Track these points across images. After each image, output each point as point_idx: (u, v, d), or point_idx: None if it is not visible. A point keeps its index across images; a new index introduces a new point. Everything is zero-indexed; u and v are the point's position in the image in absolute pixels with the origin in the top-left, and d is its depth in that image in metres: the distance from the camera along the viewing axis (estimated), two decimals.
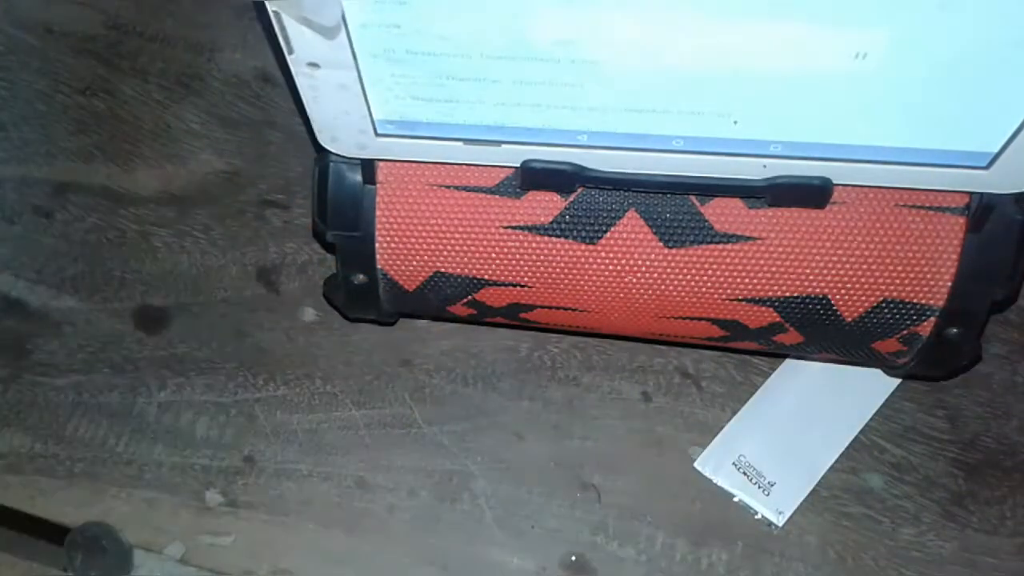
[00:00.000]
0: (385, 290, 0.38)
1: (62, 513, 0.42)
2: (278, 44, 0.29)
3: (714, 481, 0.42)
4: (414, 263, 0.37)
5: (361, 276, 0.38)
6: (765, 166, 0.33)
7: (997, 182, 0.32)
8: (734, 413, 0.44)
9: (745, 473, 0.42)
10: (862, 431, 0.43)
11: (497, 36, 0.28)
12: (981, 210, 0.34)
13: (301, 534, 0.42)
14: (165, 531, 0.42)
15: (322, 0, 0.26)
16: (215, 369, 0.44)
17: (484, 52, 0.29)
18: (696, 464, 0.43)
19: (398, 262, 0.37)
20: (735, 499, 0.42)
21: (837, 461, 0.42)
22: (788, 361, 0.44)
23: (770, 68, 0.28)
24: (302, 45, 0.29)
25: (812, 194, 0.33)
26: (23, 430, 0.43)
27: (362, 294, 0.38)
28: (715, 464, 0.43)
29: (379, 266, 0.37)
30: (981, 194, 0.34)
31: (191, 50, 0.50)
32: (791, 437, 0.43)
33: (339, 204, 0.36)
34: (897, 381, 0.43)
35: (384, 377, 0.44)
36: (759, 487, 0.42)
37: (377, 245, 0.36)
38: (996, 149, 0.31)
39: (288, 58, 0.30)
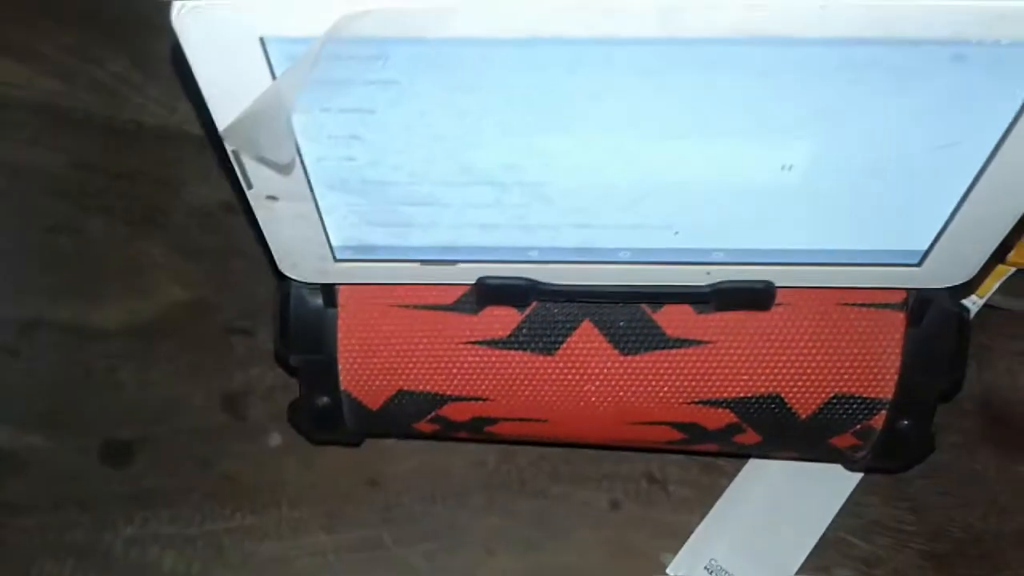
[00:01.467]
0: (350, 411, 0.39)
1: None
2: (237, 179, 0.30)
3: None
4: (377, 382, 0.38)
5: (325, 398, 0.38)
6: (709, 273, 0.34)
7: (930, 278, 0.34)
8: (703, 516, 0.44)
9: None
10: (829, 527, 0.43)
11: (446, 163, 0.30)
12: (918, 305, 0.35)
13: None
14: None
15: (277, 140, 0.27)
16: (181, 501, 0.44)
17: (435, 179, 0.31)
18: (668, 571, 0.43)
19: (361, 382, 0.38)
20: None
21: (807, 559, 0.43)
22: (752, 461, 0.45)
23: (704, 182, 0.30)
24: (260, 180, 0.30)
25: (756, 297, 0.35)
26: None
27: (327, 416, 0.39)
28: (687, 570, 0.43)
29: (343, 387, 0.38)
30: (917, 290, 0.35)
31: (156, 185, 0.51)
32: (760, 538, 0.43)
33: (301, 328, 0.37)
34: (859, 476, 0.44)
35: (352, 499, 0.44)
36: None
37: (340, 366, 0.37)
38: (925, 246, 0.33)
39: (247, 192, 0.31)
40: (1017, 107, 0.27)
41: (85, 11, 0.55)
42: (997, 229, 0.31)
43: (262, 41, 0.25)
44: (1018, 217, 0.31)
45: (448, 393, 0.38)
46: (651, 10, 0.23)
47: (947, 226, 0.32)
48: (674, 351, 0.36)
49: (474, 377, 0.37)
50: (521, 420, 0.39)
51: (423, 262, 0.35)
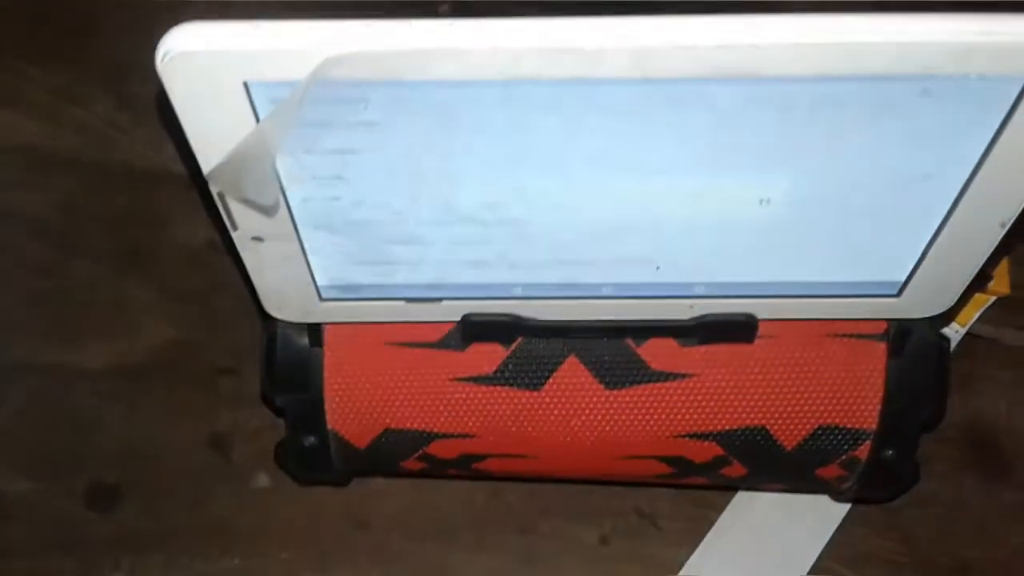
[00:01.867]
0: (336, 450, 0.39)
1: None
2: (222, 220, 0.31)
3: None
4: (364, 421, 0.38)
5: (312, 438, 0.38)
6: (692, 306, 0.34)
7: (909, 308, 0.34)
8: (693, 550, 0.44)
9: None
10: (819, 558, 0.43)
11: (430, 202, 0.30)
12: (898, 335, 0.36)
13: None
14: None
15: (261, 182, 0.28)
16: (169, 544, 0.44)
17: (419, 218, 0.31)
18: None
19: (348, 421, 0.38)
20: None
21: None
22: (740, 494, 0.45)
23: (683, 217, 0.30)
24: (245, 221, 0.31)
25: (739, 330, 0.35)
26: None
27: (314, 456, 0.39)
28: None
29: (329, 426, 0.38)
30: (897, 320, 0.36)
31: (142, 226, 0.51)
32: (751, 570, 0.43)
33: (287, 368, 0.37)
34: (847, 506, 0.44)
35: (341, 540, 0.44)
36: None
37: (326, 406, 0.37)
38: (903, 277, 0.33)
39: (232, 234, 0.31)
40: (988, 139, 0.27)
41: (70, 55, 0.55)
42: (973, 260, 0.32)
43: (246, 86, 0.26)
44: (993, 247, 0.31)
45: (435, 430, 0.38)
46: (624, 52, 0.24)
47: (924, 257, 0.32)
48: (659, 384, 0.37)
49: (461, 414, 0.37)
50: (509, 456, 0.39)
51: (408, 300, 0.35)
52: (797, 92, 0.25)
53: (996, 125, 0.27)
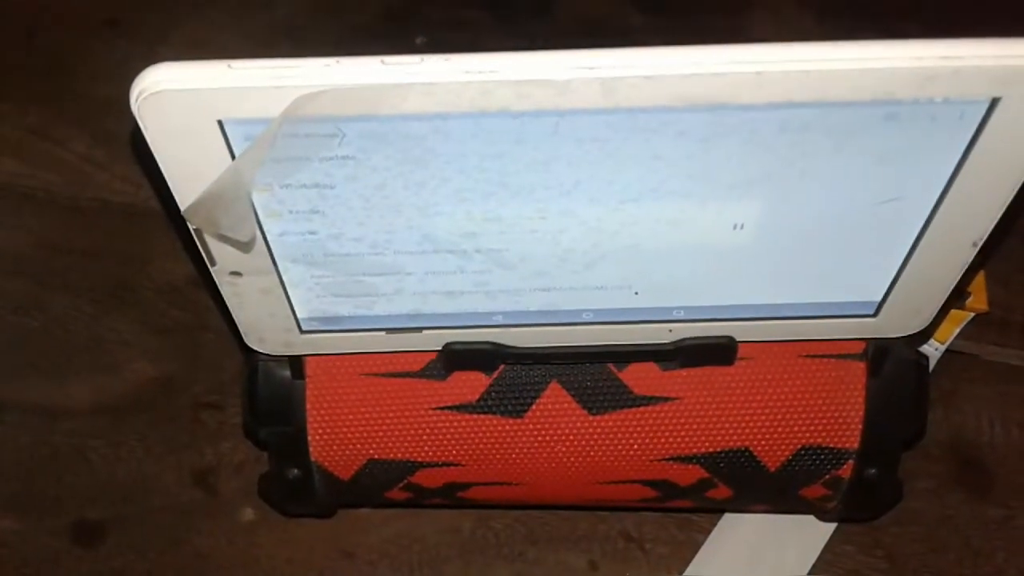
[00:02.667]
0: (320, 482, 0.39)
1: None
2: (201, 256, 0.31)
3: None
4: (347, 452, 0.38)
5: (295, 470, 0.38)
6: (671, 330, 0.35)
7: (886, 327, 0.35)
8: (680, 573, 0.44)
9: None
10: None
11: (407, 233, 0.31)
12: (877, 355, 0.36)
13: None
14: None
15: (238, 218, 0.28)
16: None
17: (396, 248, 0.31)
18: None
19: (331, 452, 0.38)
20: None
21: None
22: (727, 516, 0.45)
23: (658, 243, 0.31)
24: (223, 256, 0.31)
25: (719, 353, 0.35)
26: None
27: (298, 488, 0.39)
28: None
29: (313, 458, 0.38)
30: (875, 340, 0.36)
31: (122, 262, 0.51)
32: None
33: (269, 401, 0.37)
34: (833, 526, 0.44)
35: (327, 572, 0.44)
36: None
37: (309, 438, 0.37)
38: (879, 297, 0.34)
39: (211, 269, 0.31)
40: (956, 161, 0.28)
41: (44, 93, 0.56)
42: (947, 279, 0.32)
43: (220, 124, 0.26)
44: (966, 266, 0.32)
45: (419, 460, 0.38)
46: (593, 83, 0.24)
47: (899, 277, 0.33)
48: (641, 409, 0.37)
49: (445, 443, 0.37)
50: (494, 484, 0.39)
51: (389, 330, 0.35)
52: (763, 119, 0.26)
53: (963, 147, 0.27)
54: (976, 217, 0.30)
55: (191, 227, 0.29)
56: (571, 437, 0.37)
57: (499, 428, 0.37)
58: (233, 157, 0.27)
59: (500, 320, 0.34)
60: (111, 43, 0.58)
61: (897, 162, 0.28)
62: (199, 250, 0.31)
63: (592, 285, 0.33)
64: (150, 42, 0.57)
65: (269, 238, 0.30)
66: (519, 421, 0.37)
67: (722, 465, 0.38)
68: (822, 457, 0.37)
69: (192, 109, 0.25)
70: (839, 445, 0.37)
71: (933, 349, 0.46)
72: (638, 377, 0.37)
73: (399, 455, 0.38)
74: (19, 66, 0.57)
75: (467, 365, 0.36)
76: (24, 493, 0.46)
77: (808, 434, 0.37)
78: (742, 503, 0.40)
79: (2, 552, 0.44)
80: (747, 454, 0.37)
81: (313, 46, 0.57)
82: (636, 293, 0.33)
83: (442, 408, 0.37)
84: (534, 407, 0.37)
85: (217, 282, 0.32)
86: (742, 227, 0.30)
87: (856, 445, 0.37)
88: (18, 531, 0.45)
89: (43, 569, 0.44)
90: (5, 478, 0.46)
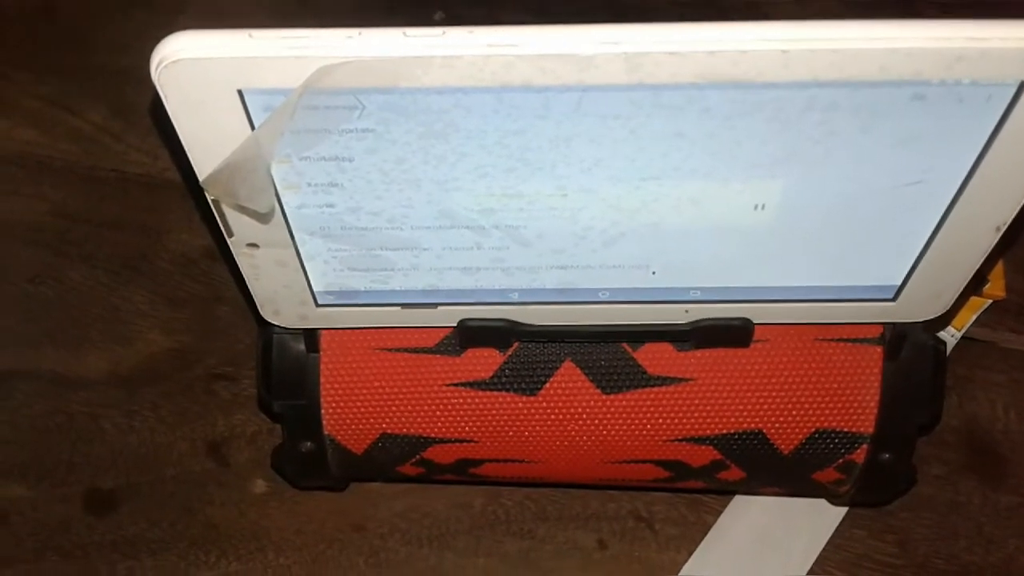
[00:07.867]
0: (333, 455, 0.39)
1: None
2: (218, 227, 0.31)
3: None
4: (360, 426, 0.38)
5: (308, 443, 0.38)
6: (687, 311, 0.34)
7: (905, 312, 0.34)
8: (690, 554, 0.44)
9: None
10: (816, 562, 0.43)
11: (425, 208, 0.30)
12: (894, 339, 0.36)
13: None
14: None
15: (256, 189, 0.28)
16: (166, 549, 0.44)
17: (414, 223, 0.31)
18: None
19: (344, 426, 0.38)
20: None
21: None
22: (738, 498, 0.45)
23: (678, 222, 0.30)
24: (241, 228, 0.31)
25: (735, 335, 0.35)
26: None
27: (311, 461, 0.39)
28: None
29: (326, 432, 0.38)
30: (893, 324, 0.36)
31: (138, 233, 0.51)
32: (748, 574, 0.43)
33: (283, 374, 0.37)
34: (844, 510, 0.44)
35: (337, 545, 0.44)
36: None
37: (323, 411, 0.37)
38: (899, 281, 0.33)
39: (228, 240, 0.31)
40: (983, 143, 0.27)
41: (62, 63, 0.56)
42: (969, 264, 0.32)
43: (240, 93, 0.26)
44: (989, 251, 0.31)
45: (432, 436, 0.38)
46: (617, 59, 0.24)
47: (920, 261, 0.32)
48: (656, 389, 0.37)
49: (457, 419, 0.37)
50: (505, 461, 0.39)
51: (404, 306, 0.35)
52: (788, 98, 0.26)
53: (990, 130, 0.27)
54: (1000, 201, 0.29)
55: (209, 198, 0.29)
56: (584, 416, 0.37)
57: (512, 405, 0.37)
58: (253, 128, 0.27)
59: (516, 298, 0.34)
60: (129, 14, 0.58)
61: (922, 144, 0.27)
62: (216, 221, 0.30)
63: (610, 264, 0.33)
64: (168, 12, 0.57)
65: (287, 210, 0.30)
66: (532, 399, 0.37)
67: (735, 447, 0.37)
68: (836, 441, 0.37)
69: (212, 78, 0.25)
70: (854, 429, 0.37)
71: (950, 336, 0.46)
72: (653, 357, 0.36)
73: (412, 430, 0.38)
74: (37, 36, 0.57)
75: (481, 342, 0.36)
76: (38, 461, 0.46)
77: (823, 418, 0.37)
78: (754, 485, 0.40)
79: (15, 519, 0.45)
80: (760, 436, 0.37)
81: (334, 16, 0.57)
82: (654, 273, 0.33)
83: (456, 384, 0.37)
84: (548, 385, 0.37)
85: (234, 254, 0.32)
86: (763, 207, 0.30)
87: (871, 430, 0.37)
88: (31, 498, 0.45)
89: (55, 536, 0.44)
90: (19, 446, 0.46)
